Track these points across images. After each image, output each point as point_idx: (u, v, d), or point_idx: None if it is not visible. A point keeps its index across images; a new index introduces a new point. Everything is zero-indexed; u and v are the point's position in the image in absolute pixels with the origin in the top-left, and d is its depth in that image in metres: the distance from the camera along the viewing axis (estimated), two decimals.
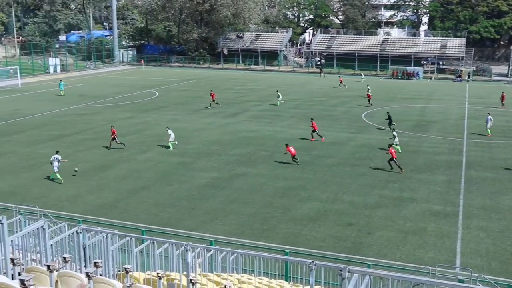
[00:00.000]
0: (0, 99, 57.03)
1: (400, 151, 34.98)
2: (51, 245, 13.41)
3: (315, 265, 10.19)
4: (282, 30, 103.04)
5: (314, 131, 38.86)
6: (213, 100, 52.41)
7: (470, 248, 21.18)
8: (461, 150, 36.75)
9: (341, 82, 69.63)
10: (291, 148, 32.60)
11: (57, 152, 29.51)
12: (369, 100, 54.42)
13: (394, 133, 36.43)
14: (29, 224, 14.76)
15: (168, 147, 36.19)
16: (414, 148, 36.99)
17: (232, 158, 34.04)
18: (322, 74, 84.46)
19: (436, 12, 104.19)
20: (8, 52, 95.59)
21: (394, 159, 31.11)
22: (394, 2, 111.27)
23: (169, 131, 36.23)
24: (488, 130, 40.85)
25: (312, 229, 22.88)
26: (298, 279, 13.64)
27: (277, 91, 56.21)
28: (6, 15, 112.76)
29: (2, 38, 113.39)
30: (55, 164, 28.58)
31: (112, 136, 35.60)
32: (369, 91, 55.83)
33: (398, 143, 35.50)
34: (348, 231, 22.63)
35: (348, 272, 9.16)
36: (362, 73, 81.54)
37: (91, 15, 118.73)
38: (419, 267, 18.32)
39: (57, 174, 28.70)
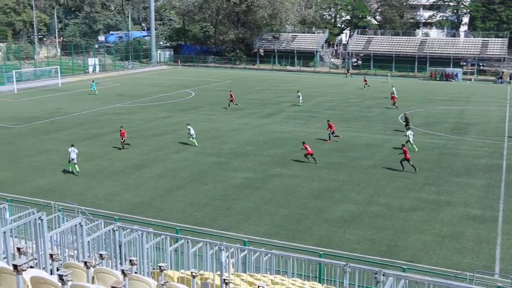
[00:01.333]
0: (42, 98, 58.34)
1: (416, 150, 35.34)
2: (88, 241, 13.63)
3: (349, 267, 10.11)
4: (318, 31, 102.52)
5: (331, 132, 38.88)
6: (232, 101, 52.30)
7: (510, 254, 20.68)
8: (501, 153, 35.91)
9: (365, 82, 68.89)
10: (308, 146, 32.81)
11: (72, 145, 30.80)
12: (394, 103, 53.31)
13: (408, 132, 36.63)
14: (67, 221, 15.08)
15: (191, 144, 36.79)
16: (452, 151, 36.34)
17: (267, 158, 34.04)
18: (349, 74, 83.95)
19: (477, 12, 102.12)
20: (50, 52, 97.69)
21: (407, 159, 31.15)
22: (434, 2, 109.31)
23: (189, 127, 37.08)
24: None
25: (346, 231, 22.72)
26: (332, 281, 13.55)
27: (298, 91, 56.24)
28: (49, 16, 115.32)
29: (44, 39, 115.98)
30: (73, 156, 29.92)
31: (123, 138, 35.51)
32: (394, 93, 55.11)
33: (412, 141, 35.82)
34: (383, 234, 22.38)
35: (383, 275, 9.06)
36: (388, 74, 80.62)
37: (129, 16, 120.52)
38: (456, 272, 18.01)
39: (76, 166, 30.11)
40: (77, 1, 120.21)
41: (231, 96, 52.67)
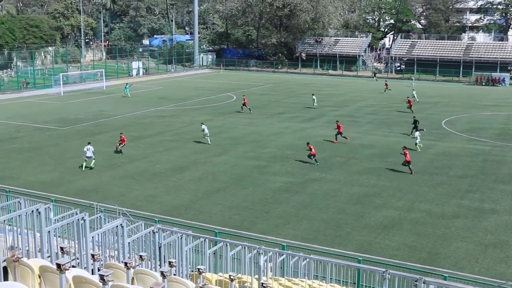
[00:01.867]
0: (87, 100, 59.70)
1: (419, 150, 36.54)
2: (129, 243, 13.85)
3: (389, 274, 10.00)
4: (361, 35, 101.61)
5: (339, 133, 39.29)
6: (244, 105, 51.79)
7: None
8: None
9: (386, 86, 67.95)
10: (313, 147, 33.52)
11: (89, 143, 32.45)
12: (410, 106, 52.31)
13: (416, 134, 37.72)
14: (108, 222, 15.35)
15: (205, 143, 38.19)
16: (498, 158, 35.48)
17: (307, 163, 33.92)
18: (375, 78, 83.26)
19: None
20: (95, 55, 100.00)
21: (408, 161, 31.63)
22: (481, 5, 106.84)
23: (203, 126, 38.44)
24: None
25: (386, 237, 22.48)
26: (371, 287, 13.42)
27: (313, 94, 56.65)
28: (95, 21, 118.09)
29: (91, 43, 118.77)
30: (89, 154, 31.57)
31: (121, 143, 35.64)
32: (414, 96, 55.79)
33: (418, 142, 37.02)
34: (424, 241, 22.05)
35: (424, 283, 8.95)
36: (412, 77, 79.49)
37: (173, 20, 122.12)
38: (501, 282, 17.60)
39: (90, 163, 31.88)
40: (123, 5, 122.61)
41: (244, 100, 52.21)
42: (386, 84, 68.83)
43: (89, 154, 31.73)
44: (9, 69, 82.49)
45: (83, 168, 31.83)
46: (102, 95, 64.21)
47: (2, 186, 26.17)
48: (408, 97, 54.72)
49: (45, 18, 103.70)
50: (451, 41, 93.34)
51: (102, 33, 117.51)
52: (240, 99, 60.89)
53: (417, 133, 37.88)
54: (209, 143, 38.18)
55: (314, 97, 55.55)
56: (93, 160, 32.11)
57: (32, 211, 12.95)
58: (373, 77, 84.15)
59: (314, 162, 33.48)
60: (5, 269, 10.89)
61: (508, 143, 39.88)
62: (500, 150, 37.57)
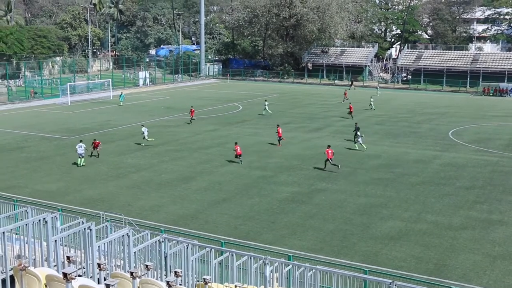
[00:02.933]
0: (93, 110, 59.94)
1: (365, 148, 39.75)
2: (135, 252, 13.85)
3: (395, 285, 9.96)
4: (368, 45, 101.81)
5: (279, 137, 41.26)
6: (192, 117, 51.09)
7: None
8: None
9: (345, 95, 68.53)
10: (238, 147, 35.72)
11: (81, 141, 35.53)
12: (350, 112, 54.76)
13: (359, 132, 40.57)
14: (114, 231, 15.36)
15: (145, 144, 40.58)
16: (506, 169, 35.28)
17: (313, 173, 33.91)
18: (352, 86, 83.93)
19: None
20: (102, 65, 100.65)
21: (329, 159, 33.83)
22: (488, 15, 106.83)
23: (143, 129, 40.92)
24: None
25: (392, 248, 22.38)
26: None
27: (265, 100, 58.57)
28: (103, 31, 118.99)
29: (98, 53, 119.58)
30: (80, 151, 34.38)
31: (94, 146, 37.12)
32: (370, 104, 60.68)
33: (362, 141, 40.12)
34: (431, 252, 21.94)
35: None
36: (378, 86, 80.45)
37: (180, 30, 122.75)
38: None
39: (82, 160, 34.68)
40: (130, 15, 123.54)
41: (192, 112, 51.28)
42: (345, 94, 69.31)
43: (80, 151, 34.51)
44: (17, 79, 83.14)
45: (79, 165, 34.55)
46: (108, 104, 64.48)
47: (9, 195, 26.39)
48: (350, 103, 57.84)
49: (53, 28, 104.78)
50: (458, 51, 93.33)
51: (109, 43, 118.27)
52: (246, 108, 61.06)
53: (359, 133, 40.72)
54: (142, 144, 40.66)
55: (266, 103, 57.36)
56: (83, 159, 35.02)
57: (39, 220, 13.07)
58: (349, 86, 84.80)
59: (239, 162, 35.56)
60: (12, 277, 10.96)
61: None
62: (508, 161, 37.38)
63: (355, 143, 40.76)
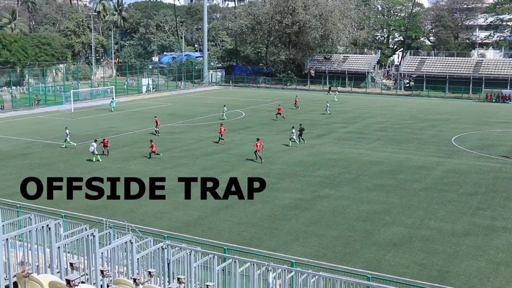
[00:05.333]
0: (97, 117, 60.11)
1: (298, 144, 43.55)
2: (138, 259, 13.90)
3: None
4: (370, 52, 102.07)
5: (220, 135, 44.21)
6: (156, 127, 49.86)
7: None
8: None
9: (295, 102, 68.91)
10: (154, 145, 38.88)
11: (95, 140, 39.23)
12: (279, 113, 57.79)
13: (293, 130, 44.04)
14: (117, 238, 15.40)
15: (66, 147, 42.59)
16: (508, 175, 35.26)
17: (316, 179, 33.95)
18: (329, 93, 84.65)
19: None
20: (106, 72, 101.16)
21: (257, 151, 37.79)
22: (491, 22, 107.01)
23: (67, 131, 43.37)
24: None
25: (396, 254, 22.39)
26: None
27: (224, 105, 60.82)
28: (106, 38, 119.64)
29: (101, 60, 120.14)
30: (91, 149, 37.87)
31: (104, 145, 40.19)
32: (326, 108, 62.41)
33: (296, 138, 43.62)
34: (434, 259, 21.94)
35: None
36: (336, 91, 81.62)
37: (183, 37, 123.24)
38: None
39: (97, 156, 38.14)
40: (133, 23, 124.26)
41: (156, 123, 49.93)
42: (295, 100, 69.58)
43: (91, 149, 37.97)
44: (21, 86, 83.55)
45: (94, 161, 37.87)
46: (112, 111, 64.65)
47: (13, 202, 26.47)
48: (279, 104, 60.93)
49: (57, 36, 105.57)
50: (461, 58, 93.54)
51: (113, 50, 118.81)
52: (249, 115, 61.17)
53: (293, 130, 44.12)
54: (75, 146, 42.70)
55: (225, 107, 59.29)
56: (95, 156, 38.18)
57: (42, 226, 13.12)
58: (328, 92, 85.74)
59: (155, 156, 38.71)
60: (15, 284, 11.00)
61: None
62: (511, 168, 37.34)
63: (299, 141, 44.14)
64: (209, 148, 42.89)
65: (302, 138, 44.71)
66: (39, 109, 66.92)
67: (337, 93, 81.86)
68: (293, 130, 44.11)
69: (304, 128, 45.73)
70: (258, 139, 39.08)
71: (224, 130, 45.07)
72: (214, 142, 44.93)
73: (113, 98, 67.73)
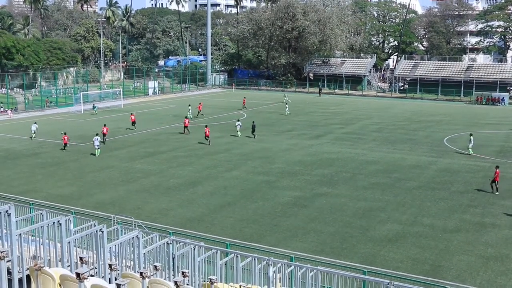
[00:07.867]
0: (105, 118, 60.48)
1: (239, 136, 47.93)
2: (144, 253, 14.31)
3: (393, 285, 10.65)
4: (366, 56, 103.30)
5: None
6: (133, 122, 52.86)
7: None
8: None
9: (243, 103, 70.42)
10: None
11: (97, 134, 41.71)
12: (199, 111, 61.76)
13: (238, 123, 48.93)
14: (125, 233, 15.92)
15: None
16: None
17: (314, 178, 34.82)
18: (320, 94, 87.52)
19: None
20: (114, 76, 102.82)
21: (206, 136, 43.78)
22: (481, 28, 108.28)
23: (36, 125, 47.71)
24: None
25: (390, 250, 23.07)
26: None
27: (189, 105, 62.96)
28: (114, 43, 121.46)
29: (110, 64, 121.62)
30: (97, 143, 40.11)
31: (104, 133, 44.27)
32: (286, 110, 63.79)
33: (239, 130, 48.41)
34: (426, 254, 22.60)
35: None
36: (285, 95, 78.55)
37: (187, 41, 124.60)
38: None
39: (98, 151, 40.34)
40: (140, 28, 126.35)
41: (133, 121, 52.95)
42: (243, 101, 70.85)
43: (96, 143, 40.02)
44: (34, 89, 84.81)
45: (97, 155, 40.04)
46: (119, 112, 65.36)
47: (26, 199, 27.34)
48: (199, 103, 64.58)
49: (68, 41, 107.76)
50: (453, 62, 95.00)
51: (120, 54, 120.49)
52: (251, 116, 61.86)
53: (238, 123, 49.11)
54: (31, 139, 46.07)
55: (190, 107, 61.63)
56: (99, 150, 40.35)
57: (54, 222, 13.33)
58: (319, 94, 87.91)
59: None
60: (28, 277, 11.59)
61: (508, 160, 40.57)
62: (500, 167, 38.06)
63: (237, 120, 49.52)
64: (212, 148, 43.64)
65: (254, 134, 48.25)
66: (50, 111, 67.98)
67: (287, 97, 77.52)
68: (238, 125, 48.97)
69: (255, 125, 49.23)
70: (206, 126, 46.11)
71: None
72: (201, 143, 45.70)
73: (93, 104, 67.72)
